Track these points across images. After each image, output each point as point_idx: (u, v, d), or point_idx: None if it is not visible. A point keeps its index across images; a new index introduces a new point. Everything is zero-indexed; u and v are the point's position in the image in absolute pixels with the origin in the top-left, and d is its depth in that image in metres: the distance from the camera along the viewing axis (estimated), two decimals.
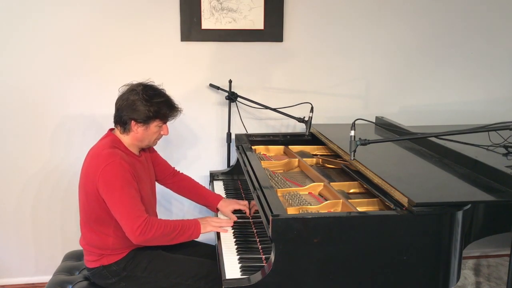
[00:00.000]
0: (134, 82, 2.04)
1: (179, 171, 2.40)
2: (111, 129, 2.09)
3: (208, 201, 2.31)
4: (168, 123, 2.08)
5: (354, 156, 1.81)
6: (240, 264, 1.79)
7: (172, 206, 2.98)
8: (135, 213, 1.85)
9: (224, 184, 2.65)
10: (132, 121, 1.97)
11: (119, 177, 1.87)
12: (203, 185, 3.00)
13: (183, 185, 2.36)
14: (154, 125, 2.01)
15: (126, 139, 2.03)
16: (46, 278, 2.33)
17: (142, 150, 2.14)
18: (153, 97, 1.97)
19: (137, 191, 1.93)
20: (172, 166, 2.37)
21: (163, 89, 2.05)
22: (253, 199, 1.98)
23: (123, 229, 1.87)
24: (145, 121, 1.97)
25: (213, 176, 2.72)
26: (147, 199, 2.06)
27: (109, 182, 1.87)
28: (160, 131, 2.05)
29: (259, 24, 2.83)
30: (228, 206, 2.22)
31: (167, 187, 2.37)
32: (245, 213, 2.20)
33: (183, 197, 2.40)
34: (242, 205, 2.21)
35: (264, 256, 1.84)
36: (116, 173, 1.88)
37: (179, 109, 2.07)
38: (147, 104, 1.95)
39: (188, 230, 1.96)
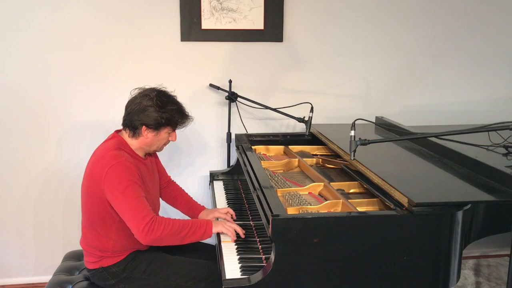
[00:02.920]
0: (147, 87, 2.03)
1: (173, 181, 2.41)
2: (117, 131, 2.09)
3: (191, 211, 2.31)
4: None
5: (354, 156, 1.81)
6: (240, 264, 1.79)
7: (176, 215, 2.98)
8: (141, 213, 1.84)
9: (224, 184, 2.65)
10: (143, 126, 1.96)
11: (124, 178, 1.87)
12: (203, 185, 3.00)
13: (173, 194, 2.36)
14: (164, 132, 2.01)
15: (134, 142, 2.02)
16: (46, 278, 2.33)
17: (148, 154, 2.13)
18: (166, 104, 1.97)
19: (143, 191, 1.93)
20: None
21: (175, 96, 2.05)
22: (252, 199, 1.98)
23: (131, 230, 1.86)
24: (157, 127, 1.97)
25: (213, 176, 2.72)
26: (151, 203, 2.04)
27: (114, 183, 1.86)
28: (169, 137, 2.06)
29: (259, 24, 2.83)
30: (208, 215, 2.21)
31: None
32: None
33: None
34: (222, 213, 2.18)
35: (264, 256, 1.84)
36: (121, 174, 1.87)
37: (190, 117, 2.07)
38: (160, 111, 1.94)
39: (199, 229, 1.93)
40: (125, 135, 2.03)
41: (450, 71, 3.11)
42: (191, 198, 2.37)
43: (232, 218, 2.16)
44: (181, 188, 2.40)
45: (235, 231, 1.97)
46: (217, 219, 2.17)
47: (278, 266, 1.59)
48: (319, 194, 2.12)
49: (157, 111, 1.94)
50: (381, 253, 1.63)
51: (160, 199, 2.31)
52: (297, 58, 2.93)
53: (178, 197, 2.35)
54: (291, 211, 1.84)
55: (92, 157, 2.03)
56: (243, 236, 1.97)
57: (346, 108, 3.03)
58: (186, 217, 2.38)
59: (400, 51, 3.03)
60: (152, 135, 1.99)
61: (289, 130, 3.04)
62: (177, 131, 2.09)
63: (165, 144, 2.10)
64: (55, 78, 2.71)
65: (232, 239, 1.96)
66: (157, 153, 2.26)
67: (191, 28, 2.77)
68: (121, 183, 1.85)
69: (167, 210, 2.88)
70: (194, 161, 2.98)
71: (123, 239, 1.97)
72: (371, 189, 1.94)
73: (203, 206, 2.32)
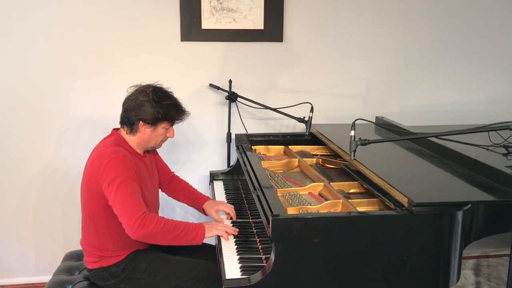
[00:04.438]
0: (143, 83, 2.05)
1: (177, 176, 2.41)
2: (116, 129, 2.10)
3: (195, 202, 2.31)
4: None
5: (354, 156, 1.81)
6: (240, 264, 1.79)
7: (176, 214, 2.99)
8: (133, 207, 1.83)
9: (224, 184, 2.65)
10: (140, 122, 1.98)
11: (120, 172, 1.87)
12: (203, 185, 3.00)
13: (177, 188, 2.36)
14: (161, 127, 2.02)
15: (132, 139, 2.03)
16: (46, 278, 2.33)
17: (147, 151, 2.14)
18: (162, 99, 1.98)
19: (139, 187, 1.93)
20: (173, 166, 2.37)
21: (171, 92, 2.06)
22: (252, 199, 1.98)
23: (123, 224, 1.85)
24: (153, 122, 1.99)
25: (213, 176, 2.72)
26: (150, 201, 2.05)
27: (110, 177, 1.87)
28: (166, 133, 2.07)
29: (259, 24, 2.83)
30: (213, 206, 2.22)
31: (163, 191, 2.36)
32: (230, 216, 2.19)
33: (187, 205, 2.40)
34: (227, 207, 2.19)
35: (264, 256, 1.84)
36: (117, 168, 1.88)
37: (187, 112, 2.09)
38: (156, 106, 1.96)
39: (191, 232, 1.92)
40: (123, 133, 2.04)
41: (450, 71, 3.11)
42: (196, 190, 2.37)
43: (232, 219, 2.16)
44: (185, 181, 2.40)
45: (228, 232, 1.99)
46: (219, 214, 2.18)
47: (278, 266, 1.59)
48: (319, 194, 2.12)
49: (153, 106, 1.96)
50: (381, 253, 1.63)
51: (160, 198, 2.31)
52: (297, 58, 2.93)
53: (182, 190, 2.36)
54: (291, 211, 1.84)
55: (91, 155, 2.03)
56: (235, 233, 1.99)
57: (346, 108, 3.03)
58: (190, 211, 2.36)
59: (400, 51, 3.03)
60: (149, 130, 2.00)
61: (289, 130, 3.04)
62: (176, 131, 2.09)
63: (163, 141, 2.11)
64: (55, 77, 2.71)
65: (225, 238, 1.96)
66: (157, 151, 2.26)
67: (191, 28, 2.77)
68: (116, 178, 1.86)
69: (167, 210, 2.89)
70: (194, 161, 2.98)
71: (123, 237, 1.97)
72: (371, 189, 1.94)
73: (207, 197, 2.32)
